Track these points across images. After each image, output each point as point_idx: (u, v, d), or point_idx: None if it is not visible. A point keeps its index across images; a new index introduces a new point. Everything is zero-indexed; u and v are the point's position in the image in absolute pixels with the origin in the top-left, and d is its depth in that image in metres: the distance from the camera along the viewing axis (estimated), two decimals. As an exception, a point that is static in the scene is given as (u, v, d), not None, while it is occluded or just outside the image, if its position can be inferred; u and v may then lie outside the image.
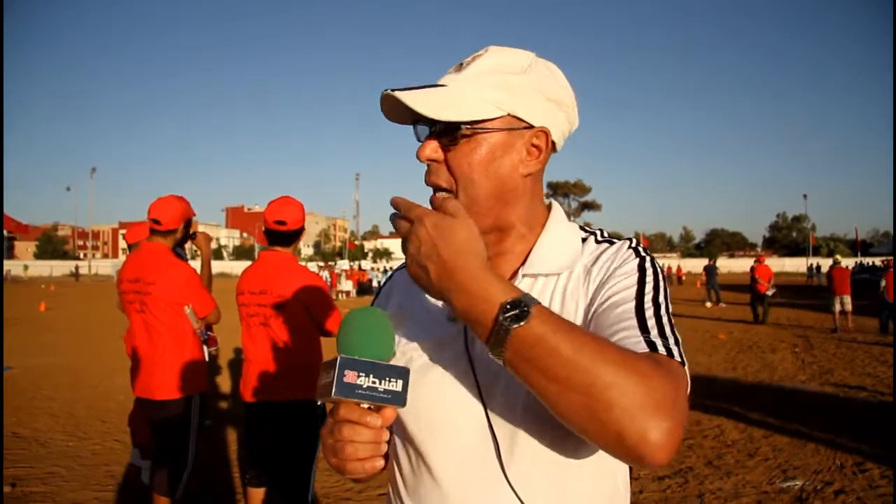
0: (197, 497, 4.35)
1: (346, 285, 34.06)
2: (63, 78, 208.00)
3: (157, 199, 3.67)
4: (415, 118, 1.05)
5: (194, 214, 3.84)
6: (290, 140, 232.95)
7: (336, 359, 0.87)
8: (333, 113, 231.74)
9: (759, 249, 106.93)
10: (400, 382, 0.89)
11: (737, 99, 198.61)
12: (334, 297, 32.02)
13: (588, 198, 80.00)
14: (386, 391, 0.88)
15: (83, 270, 66.97)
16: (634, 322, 0.94)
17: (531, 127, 1.04)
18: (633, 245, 1.08)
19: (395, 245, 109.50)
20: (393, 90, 0.97)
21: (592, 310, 1.00)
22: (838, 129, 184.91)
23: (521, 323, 0.80)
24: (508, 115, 1.01)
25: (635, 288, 0.99)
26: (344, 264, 47.68)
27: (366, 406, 0.88)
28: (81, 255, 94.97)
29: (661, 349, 0.89)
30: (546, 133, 1.06)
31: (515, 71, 1.02)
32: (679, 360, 0.89)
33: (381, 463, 0.89)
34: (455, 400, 1.03)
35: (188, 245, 4.09)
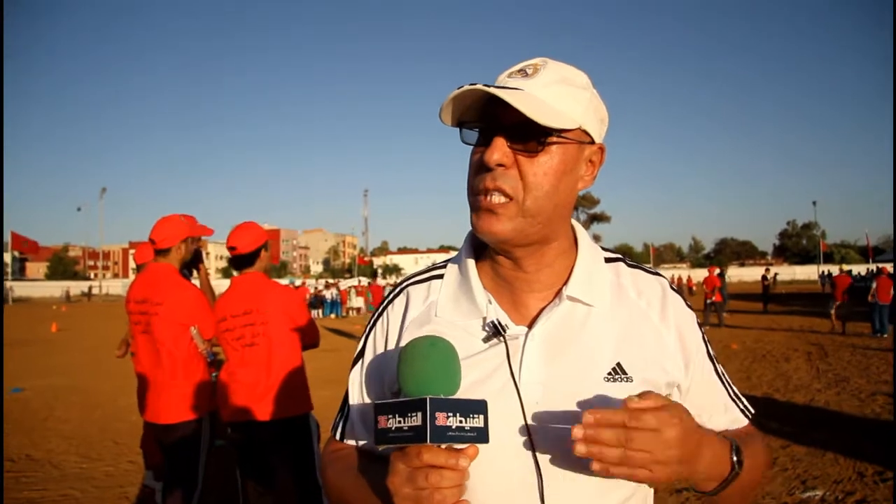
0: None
1: (357, 302, 34.02)
2: (73, 100, 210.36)
3: (159, 219, 3.68)
4: (463, 119, 1.02)
5: (198, 234, 3.82)
6: (298, 157, 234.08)
7: (421, 400, 0.81)
8: (341, 130, 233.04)
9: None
10: (481, 417, 0.84)
11: (744, 107, 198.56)
12: (344, 314, 32.08)
13: (597, 210, 79.98)
14: (472, 429, 0.83)
15: (94, 290, 67.49)
16: (726, 394, 1.18)
17: (593, 142, 1.04)
18: (676, 288, 1.15)
19: (403, 261, 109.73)
20: (486, 86, 0.94)
21: (692, 373, 1.11)
22: (846, 135, 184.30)
23: (742, 469, 0.99)
24: (580, 128, 1.01)
25: (705, 350, 1.14)
26: (352, 281, 47.66)
27: (444, 446, 0.83)
28: (92, 276, 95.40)
29: (749, 414, 1.20)
30: (603, 150, 1.07)
31: (582, 86, 1.02)
32: (752, 414, 1.21)
33: None
34: (500, 423, 0.97)
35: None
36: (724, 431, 1.14)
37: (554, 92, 0.98)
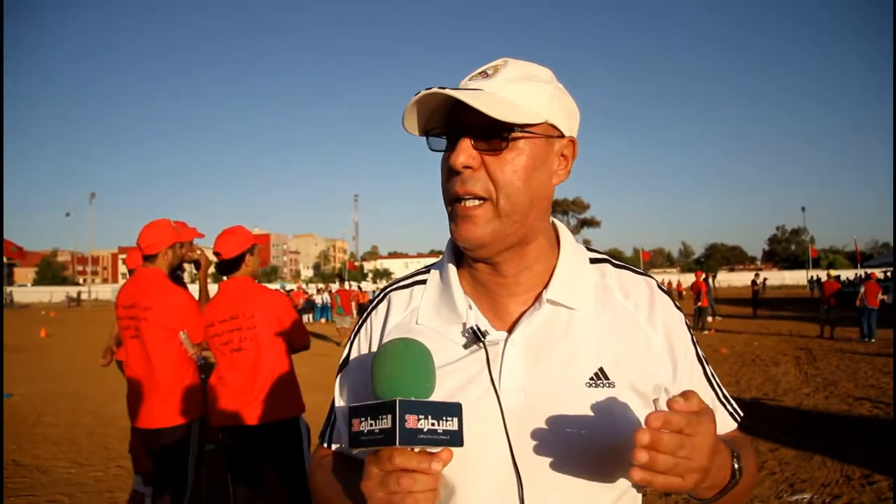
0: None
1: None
2: (62, 104, 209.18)
3: (146, 224, 3.67)
4: (428, 127, 1.01)
5: (186, 239, 3.82)
6: (289, 162, 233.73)
7: (391, 402, 0.80)
8: (332, 135, 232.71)
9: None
10: (455, 420, 0.83)
11: (734, 112, 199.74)
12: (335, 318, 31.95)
13: (587, 214, 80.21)
14: (445, 432, 0.81)
15: (82, 296, 66.93)
16: (715, 397, 1.13)
17: (562, 136, 1.04)
18: (665, 289, 1.13)
19: (393, 265, 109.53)
20: (441, 88, 0.92)
21: (680, 375, 1.07)
22: (836, 140, 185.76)
23: (741, 476, 0.95)
24: (546, 122, 0.99)
25: (694, 352, 1.11)
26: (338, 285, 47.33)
27: (417, 450, 0.82)
28: (81, 281, 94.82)
29: (737, 418, 1.16)
30: (574, 143, 1.06)
31: (545, 80, 1.01)
32: (740, 418, 1.16)
33: None
34: (480, 429, 0.96)
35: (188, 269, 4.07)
36: None
37: (515, 89, 0.97)
